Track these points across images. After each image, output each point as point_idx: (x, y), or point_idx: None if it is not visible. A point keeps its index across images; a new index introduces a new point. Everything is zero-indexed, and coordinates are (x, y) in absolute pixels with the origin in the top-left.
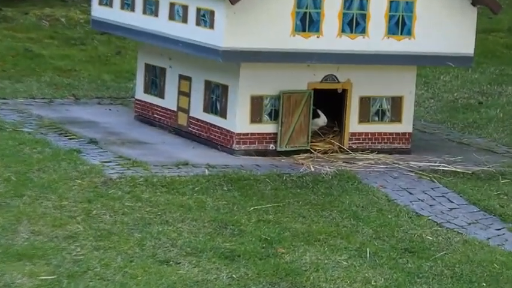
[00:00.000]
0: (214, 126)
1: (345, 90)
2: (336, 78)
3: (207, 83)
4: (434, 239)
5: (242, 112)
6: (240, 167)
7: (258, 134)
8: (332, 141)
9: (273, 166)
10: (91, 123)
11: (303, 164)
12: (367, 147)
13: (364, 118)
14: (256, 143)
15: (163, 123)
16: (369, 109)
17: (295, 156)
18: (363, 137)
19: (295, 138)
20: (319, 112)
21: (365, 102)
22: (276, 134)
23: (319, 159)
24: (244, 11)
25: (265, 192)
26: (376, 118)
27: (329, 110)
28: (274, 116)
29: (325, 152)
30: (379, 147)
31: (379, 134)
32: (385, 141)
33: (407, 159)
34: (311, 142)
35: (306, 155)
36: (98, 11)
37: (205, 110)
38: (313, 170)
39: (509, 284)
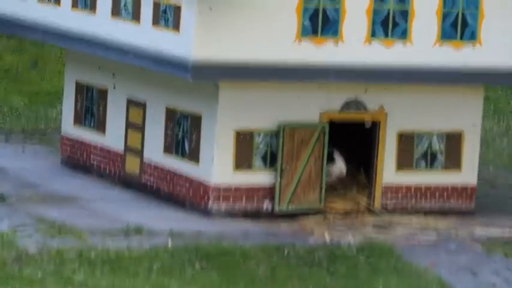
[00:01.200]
0: (181, 175)
1: (376, 124)
2: (363, 105)
3: (170, 112)
4: None
5: (222, 154)
6: (220, 236)
7: (247, 186)
8: (357, 198)
9: (269, 235)
10: None
11: (313, 231)
12: (409, 207)
13: (405, 164)
14: (244, 200)
15: (103, 171)
16: (412, 151)
17: (302, 220)
18: (404, 192)
19: (301, 194)
20: (336, 155)
21: (406, 140)
22: (273, 187)
23: (338, 225)
24: (225, 6)
25: (258, 274)
26: (423, 164)
27: (352, 153)
28: (270, 160)
29: (346, 214)
30: (428, 208)
31: (428, 187)
32: (437, 198)
33: (471, 225)
34: (326, 200)
35: (318, 218)
36: (3, 3)
37: (167, 151)
38: (328, 240)
39: None
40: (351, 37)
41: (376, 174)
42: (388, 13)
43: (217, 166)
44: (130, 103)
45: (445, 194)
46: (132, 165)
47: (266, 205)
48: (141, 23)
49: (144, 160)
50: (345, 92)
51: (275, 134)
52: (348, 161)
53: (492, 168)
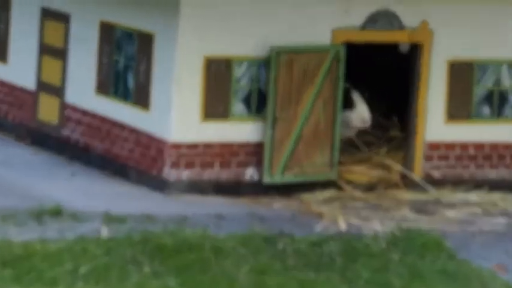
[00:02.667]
0: (123, 126)
1: (416, 48)
2: (397, 19)
3: (107, 30)
4: None
5: (185, 95)
6: (182, 221)
7: (221, 145)
8: (387, 162)
9: (254, 217)
10: None
11: (321, 214)
12: (466, 176)
13: (458, 110)
14: (217, 165)
15: (6, 119)
16: (471, 90)
17: (304, 196)
18: (457, 153)
19: (303, 156)
20: (355, 97)
21: (461, 73)
22: (260, 145)
23: (357, 205)
24: None
25: (238, 280)
26: (487, 110)
27: (380, 93)
28: (257, 104)
29: (371, 188)
30: (494, 178)
31: (494, 146)
32: (508, 163)
33: None
34: (341, 165)
35: (328, 193)
36: None
37: (102, 89)
38: (344, 228)
39: None
40: None
41: (416, 125)
42: None
43: (177, 114)
44: (46, 15)
45: None
46: (48, 111)
47: (250, 174)
48: None
49: (67, 103)
50: (370, 2)
51: (264, 64)
52: (373, 106)
53: None
